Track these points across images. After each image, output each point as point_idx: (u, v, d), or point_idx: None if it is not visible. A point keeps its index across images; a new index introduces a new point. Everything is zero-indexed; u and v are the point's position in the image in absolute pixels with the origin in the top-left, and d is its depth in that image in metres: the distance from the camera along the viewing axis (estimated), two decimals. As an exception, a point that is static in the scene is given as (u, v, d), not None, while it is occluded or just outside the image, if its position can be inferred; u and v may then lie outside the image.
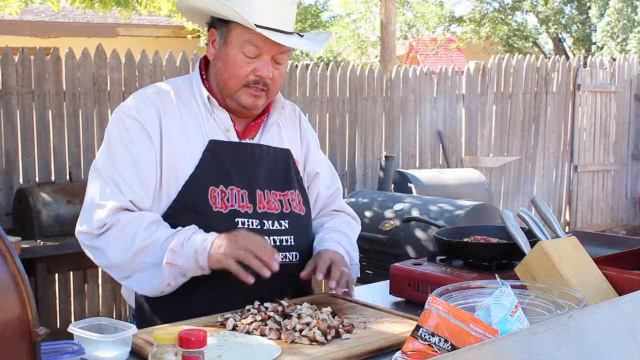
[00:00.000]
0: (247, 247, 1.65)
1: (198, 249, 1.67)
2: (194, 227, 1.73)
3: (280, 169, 1.91)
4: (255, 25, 1.72)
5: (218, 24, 1.82)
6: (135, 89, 4.90)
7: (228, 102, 1.85)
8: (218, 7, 1.76)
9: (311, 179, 2.05)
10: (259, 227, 1.81)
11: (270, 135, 1.93)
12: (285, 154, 1.94)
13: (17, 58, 4.60)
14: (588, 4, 14.33)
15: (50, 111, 4.73)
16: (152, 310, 1.80)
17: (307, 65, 6.02)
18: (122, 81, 4.97)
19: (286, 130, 1.99)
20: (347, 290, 1.81)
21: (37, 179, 4.68)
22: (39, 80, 4.68)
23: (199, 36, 10.93)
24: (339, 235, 1.99)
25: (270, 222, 1.83)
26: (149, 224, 1.72)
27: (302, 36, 1.86)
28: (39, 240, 4.11)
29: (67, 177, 4.73)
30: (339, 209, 2.12)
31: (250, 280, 1.64)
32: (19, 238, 4.04)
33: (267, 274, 1.64)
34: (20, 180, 4.66)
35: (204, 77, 1.88)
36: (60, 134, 4.77)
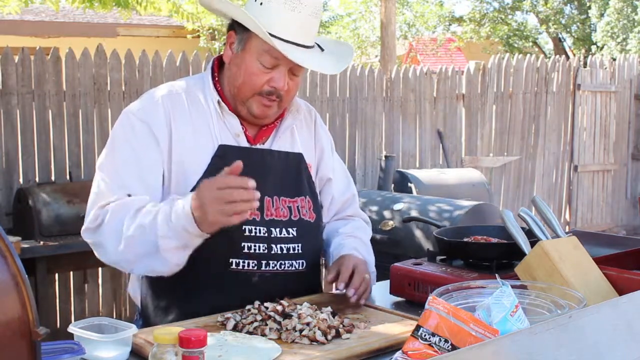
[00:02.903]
0: (224, 198, 1.52)
1: (185, 224, 1.58)
2: (170, 199, 1.65)
3: (292, 175, 1.89)
4: (275, 36, 1.70)
5: (238, 29, 1.80)
6: (136, 89, 4.92)
7: (239, 108, 1.82)
8: (240, 15, 1.75)
9: (323, 183, 2.02)
10: (266, 234, 1.79)
11: (283, 140, 1.90)
12: (298, 159, 1.91)
13: (17, 58, 4.60)
14: (588, 4, 14.33)
15: (50, 111, 4.73)
16: (157, 310, 1.80)
17: (307, 65, 6.01)
18: (122, 81, 4.96)
19: (300, 133, 1.96)
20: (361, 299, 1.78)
21: (37, 179, 4.67)
22: (39, 80, 4.68)
23: (199, 36, 10.92)
24: (356, 242, 1.97)
25: (277, 229, 1.81)
26: (135, 211, 1.66)
27: (322, 50, 1.84)
28: (39, 240, 4.11)
29: (67, 177, 4.73)
30: (354, 214, 2.11)
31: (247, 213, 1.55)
32: (19, 238, 4.03)
33: (255, 205, 1.55)
34: (20, 180, 4.65)
35: (217, 78, 1.86)
36: (60, 134, 4.77)
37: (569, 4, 15.10)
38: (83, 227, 1.76)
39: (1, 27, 9.09)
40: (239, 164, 1.56)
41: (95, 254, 1.78)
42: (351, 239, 1.97)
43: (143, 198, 1.70)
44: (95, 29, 10.34)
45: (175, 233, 1.59)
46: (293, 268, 1.83)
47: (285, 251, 1.82)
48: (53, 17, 10.25)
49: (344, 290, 1.76)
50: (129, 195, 1.71)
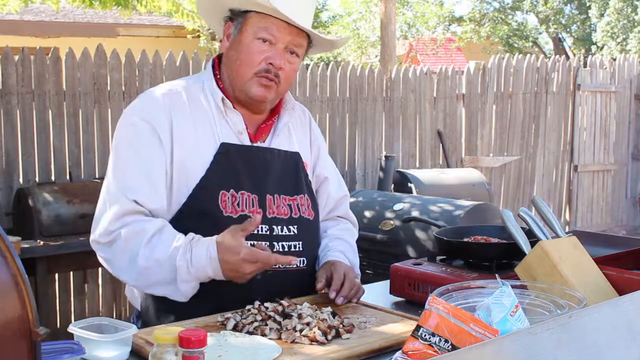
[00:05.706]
0: (256, 267, 1.64)
1: (210, 274, 1.66)
2: (187, 243, 1.67)
3: (291, 173, 1.90)
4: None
5: (234, 17, 1.82)
6: (135, 89, 4.92)
7: (238, 95, 1.82)
8: None
9: (320, 182, 2.04)
10: (268, 232, 1.79)
11: (281, 139, 1.91)
12: (296, 158, 1.92)
13: (17, 58, 4.60)
14: (588, 4, 14.33)
15: (50, 111, 4.73)
16: (158, 312, 1.80)
17: (307, 65, 6.02)
18: (122, 81, 4.97)
19: (296, 132, 1.97)
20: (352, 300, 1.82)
21: (37, 179, 4.67)
22: (39, 80, 4.68)
23: (199, 36, 10.92)
24: (343, 244, 2.00)
25: (279, 227, 1.82)
26: (149, 239, 1.68)
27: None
28: (39, 240, 4.11)
29: (67, 177, 4.73)
30: (344, 215, 2.12)
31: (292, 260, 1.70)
32: (19, 238, 4.03)
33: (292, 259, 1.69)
34: (20, 180, 4.65)
35: (218, 76, 1.87)
36: (60, 134, 4.77)
37: (569, 4, 15.12)
38: (92, 238, 1.76)
39: (1, 27, 9.08)
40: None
41: (105, 266, 1.79)
42: (338, 241, 2.00)
43: (156, 222, 1.72)
44: (95, 29, 10.33)
45: (196, 276, 1.67)
46: (295, 266, 1.83)
47: (287, 249, 1.82)
48: (53, 17, 10.25)
49: (335, 298, 1.78)
50: (136, 202, 1.71)
